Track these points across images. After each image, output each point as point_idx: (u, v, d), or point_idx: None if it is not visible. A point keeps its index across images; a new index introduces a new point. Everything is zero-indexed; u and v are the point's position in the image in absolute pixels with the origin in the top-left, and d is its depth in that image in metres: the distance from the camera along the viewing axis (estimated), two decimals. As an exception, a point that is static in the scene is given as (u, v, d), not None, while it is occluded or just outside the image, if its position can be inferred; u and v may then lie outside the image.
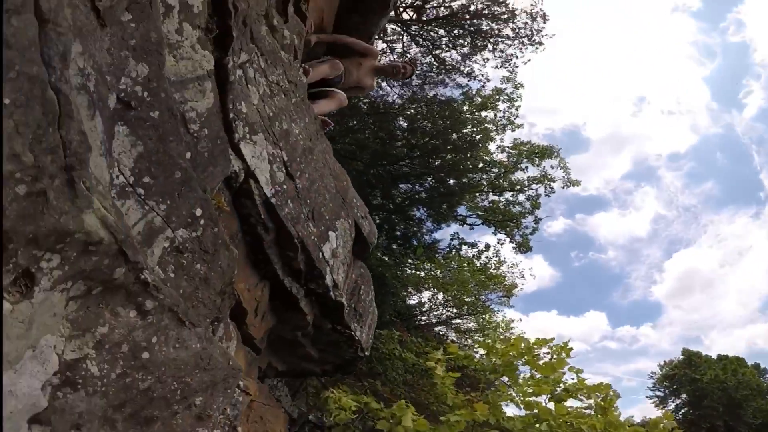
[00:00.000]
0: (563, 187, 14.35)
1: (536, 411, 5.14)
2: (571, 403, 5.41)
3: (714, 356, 29.37)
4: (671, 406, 28.50)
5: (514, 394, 5.70)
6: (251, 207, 2.37)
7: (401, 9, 12.49)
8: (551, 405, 5.14)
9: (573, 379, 5.63)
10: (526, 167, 14.24)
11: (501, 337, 13.00)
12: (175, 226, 1.52)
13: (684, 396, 28.39)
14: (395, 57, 12.87)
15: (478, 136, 13.44)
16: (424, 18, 13.34)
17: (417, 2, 13.08)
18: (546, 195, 14.42)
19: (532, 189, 14.31)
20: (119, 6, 1.46)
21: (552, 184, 14.17)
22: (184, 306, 1.67)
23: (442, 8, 13.34)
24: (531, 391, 5.47)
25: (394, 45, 13.40)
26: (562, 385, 5.55)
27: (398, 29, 13.11)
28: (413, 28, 13.40)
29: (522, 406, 5.44)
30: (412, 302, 14.49)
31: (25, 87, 0.81)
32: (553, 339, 6.07)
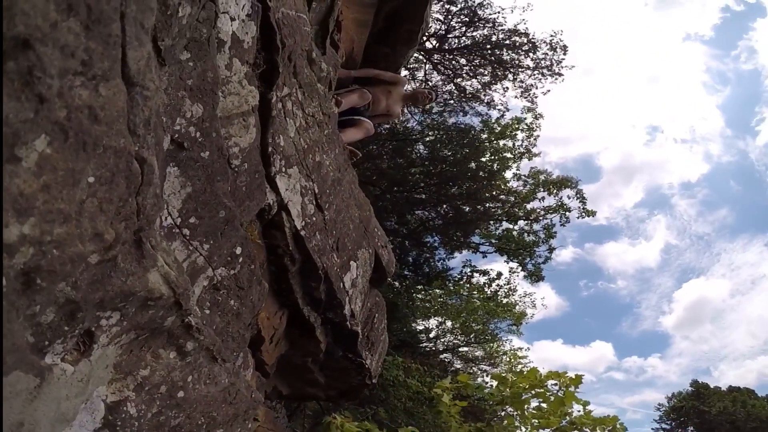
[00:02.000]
0: (578, 218, 14.23)
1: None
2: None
3: (723, 388, 28.57)
4: (678, 440, 27.69)
5: (521, 426, 5.59)
6: (280, 239, 2.37)
7: (424, 38, 12.68)
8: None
9: (579, 411, 5.50)
10: (543, 197, 14.16)
11: (513, 368, 12.77)
12: (215, 265, 1.52)
13: (691, 429, 27.57)
14: (417, 84, 13.02)
15: (496, 165, 13.44)
16: (446, 47, 13.53)
17: (440, 32, 13.29)
18: (561, 225, 14.29)
19: (547, 218, 14.21)
20: (179, 45, 1.48)
21: (567, 213, 14.06)
22: (219, 343, 1.66)
23: (464, 38, 13.53)
24: (537, 423, 5.35)
25: (415, 72, 13.57)
26: (568, 417, 5.42)
27: (421, 57, 13.29)
28: (435, 56, 13.57)
29: (527, 439, 5.32)
30: (418, 328, 14.34)
31: (111, 162, 0.79)
32: (566, 373, 5.95)
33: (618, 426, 5.28)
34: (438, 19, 12.91)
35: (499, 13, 13.16)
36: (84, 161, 0.74)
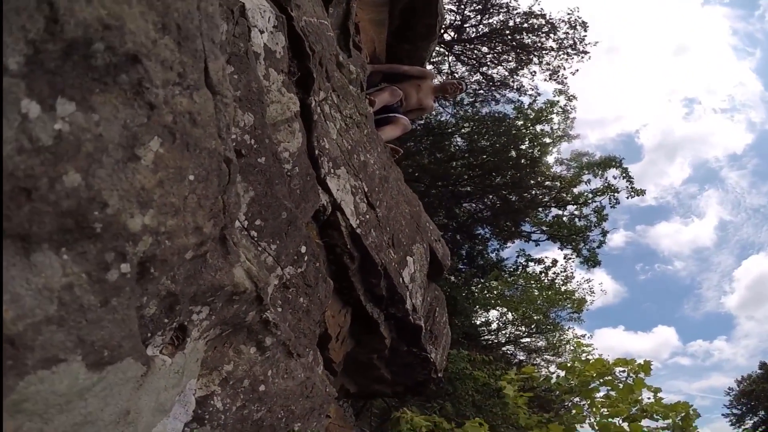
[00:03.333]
0: (627, 197, 13.61)
1: (611, 432, 4.80)
2: (647, 423, 5.02)
3: (796, 368, 26.13)
4: (749, 424, 25.58)
5: (589, 416, 5.38)
6: (338, 237, 2.43)
7: (442, 30, 12.63)
8: (626, 426, 4.80)
9: (649, 398, 5.24)
10: (588, 179, 13.68)
11: (578, 357, 12.31)
12: (284, 264, 1.57)
13: (762, 413, 25.40)
14: (443, 77, 12.95)
15: (537, 151, 13.13)
16: (465, 37, 13.41)
17: (456, 22, 13.20)
18: (612, 206, 13.71)
19: (596, 201, 13.69)
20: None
21: (616, 194, 13.49)
22: (293, 338, 1.72)
23: (481, 26, 13.37)
24: (606, 412, 5.14)
25: (440, 66, 13.52)
26: (638, 405, 5.18)
27: (442, 50, 13.24)
28: (456, 47, 13.48)
29: (597, 428, 5.12)
30: (478, 321, 14.14)
31: (206, 162, 0.87)
32: (634, 360, 5.72)
33: (691, 413, 4.99)
34: (451, 10, 12.82)
35: (510, -4, 12.92)
36: (187, 160, 0.83)
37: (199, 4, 0.86)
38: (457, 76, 13.16)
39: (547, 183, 13.64)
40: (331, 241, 2.37)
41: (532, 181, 13.29)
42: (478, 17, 13.24)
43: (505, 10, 13.00)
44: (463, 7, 13.02)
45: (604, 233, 13.77)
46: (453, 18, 12.93)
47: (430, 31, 5.74)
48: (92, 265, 0.67)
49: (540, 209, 13.89)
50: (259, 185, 1.47)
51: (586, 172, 13.56)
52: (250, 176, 1.45)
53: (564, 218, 13.90)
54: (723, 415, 27.71)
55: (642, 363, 5.51)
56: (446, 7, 11.95)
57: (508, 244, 14.18)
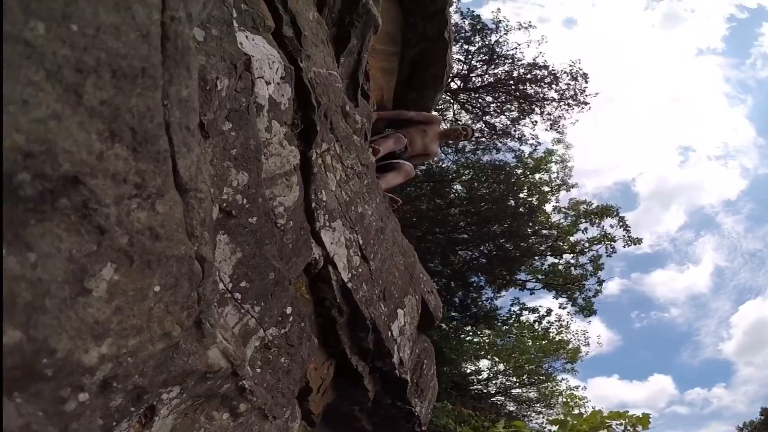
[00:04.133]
0: (624, 246, 13.63)
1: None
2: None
3: (798, 412, 25.46)
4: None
5: None
6: (327, 291, 2.37)
7: (448, 79, 12.97)
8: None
9: None
10: (585, 228, 13.72)
11: (570, 410, 11.97)
12: (267, 325, 1.51)
13: None
14: (447, 124, 13.20)
15: (535, 200, 13.22)
16: (470, 86, 13.75)
17: (462, 71, 13.56)
18: (608, 255, 13.70)
19: (592, 250, 13.68)
20: (220, 117, 1.55)
21: (613, 243, 13.51)
22: (270, 401, 1.64)
23: (486, 75, 13.74)
24: None
25: (445, 113, 13.78)
26: None
27: (447, 98, 13.54)
28: (461, 96, 13.80)
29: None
30: (468, 370, 13.80)
31: (174, 270, 0.80)
32: (627, 412, 5.52)
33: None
34: (459, 60, 13.20)
35: (516, 48, 13.36)
36: (150, 276, 0.75)
37: (168, 91, 0.78)
38: (461, 122, 13.40)
39: (543, 231, 13.66)
40: (321, 295, 2.31)
41: (530, 230, 13.31)
42: (484, 67, 13.62)
43: (510, 61, 13.42)
44: (470, 57, 13.42)
45: (600, 282, 13.71)
46: (460, 68, 13.31)
47: (437, 81, 5.86)
48: (47, 402, 0.62)
49: (536, 258, 13.85)
50: (248, 246, 1.43)
51: (584, 221, 13.61)
52: (239, 237, 1.41)
53: (560, 267, 13.84)
54: (724, 463, 26.84)
55: (640, 416, 5.32)
56: (455, 56, 12.34)
57: (503, 292, 14.05)
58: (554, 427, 6.33)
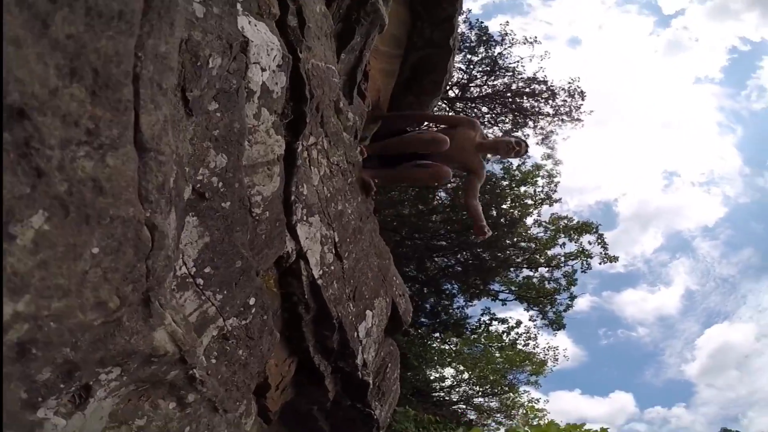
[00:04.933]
0: (600, 263, 13.86)
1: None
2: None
3: (754, 435, 26.37)
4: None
5: None
6: (296, 286, 2.33)
7: (447, 87, 12.99)
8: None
9: None
10: (564, 243, 13.88)
11: (529, 422, 12.12)
12: (227, 315, 1.48)
13: None
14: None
15: (518, 212, 13.32)
16: (468, 96, 13.81)
17: (462, 81, 13.61)
18: (582, 271, 13.91)
19: (568, 265, 13.86)
20: (207, 95, 1.50)
21: (589, 260, 13.71)
22: (222, 394, 1.60)
23: (485, 87, 13.82)
24: None
25: (439, 122, 13.77)
26: None
27: (443, 105, 13.57)
28: (458, 105, 13.84)
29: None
30: (432, 376, 13.86)
31: (118, 232, 0.75)
32: (584, 425, 5.60)
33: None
34: (461, 69, 13.24)
35: (518, 62, 13.48)
36: (87, 234, 0.70)
37: (144, 43, 0.74)
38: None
39: (522, 244, 13.78)
40: (289, 290, 2.28)
41: (508, 242, 13.40)
42: (484, 78, 13.70)
43: (511, 74, 13.53)
44: (472, 67, 13.47)
45: (572, 297, 13.90)
46: (460, 77, 13.35)
47: (436, 87, 5.85)
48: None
49: (511, 269, 13.97)
50: (217, 231, 1.39)
51: (563, 236, 13.77)
52: (209, 221, 1.37)
53: (534, 280, 14.00)
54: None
55: (598, 430, 5.41)
56: (457, 65, 12.37)
57: (475, 301, 14.15)
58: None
